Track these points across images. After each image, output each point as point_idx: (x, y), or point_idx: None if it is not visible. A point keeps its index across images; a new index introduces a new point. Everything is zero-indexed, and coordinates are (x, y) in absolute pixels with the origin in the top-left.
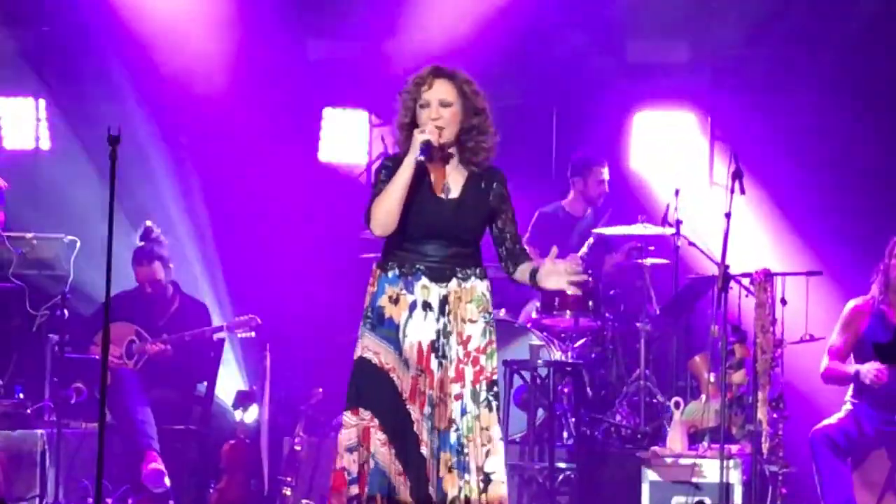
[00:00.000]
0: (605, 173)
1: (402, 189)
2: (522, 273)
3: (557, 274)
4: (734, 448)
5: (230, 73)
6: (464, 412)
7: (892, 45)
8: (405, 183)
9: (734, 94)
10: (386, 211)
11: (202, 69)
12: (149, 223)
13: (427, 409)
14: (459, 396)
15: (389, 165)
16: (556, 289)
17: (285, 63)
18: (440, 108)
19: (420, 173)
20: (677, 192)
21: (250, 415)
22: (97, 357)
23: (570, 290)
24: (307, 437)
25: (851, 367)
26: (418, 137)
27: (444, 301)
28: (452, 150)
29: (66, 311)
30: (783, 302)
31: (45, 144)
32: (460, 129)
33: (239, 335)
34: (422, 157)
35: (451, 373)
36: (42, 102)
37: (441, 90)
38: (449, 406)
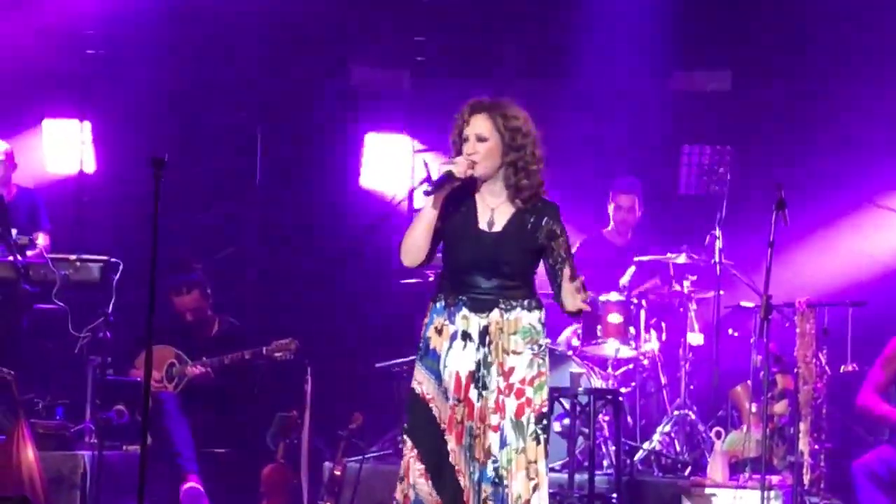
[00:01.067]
0: (627, 200)
1: (425, 221)
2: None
3: (572, 294)
4: (775, 479)
5: (273, 96)
6: (504, 444)
7: None
8: (428, 215)
9: (778, 123)
10: (411, 242)
11: (244, 94)
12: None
13: (466, 440)
14: (497, 428)
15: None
16: (576, 309)
17: (328, 88)
18: (476, 143)
19: (468, 207)
20: (720, 221)
21: (290, 438)
22: (138, 379)
23: (583, 307)
24: (347, 461)
25: (890, 409)
26: (441, 168)
27: (484, 332)
28: (499, 184)
29: (108, 334)
30: (826, 332)
31: (90, 167)
32: (501, 165)
33: (278, 358)
34: (429, 187)
35: (491, 404)
36: (87, 125)
37: (477, 125)
38: (487, 437)
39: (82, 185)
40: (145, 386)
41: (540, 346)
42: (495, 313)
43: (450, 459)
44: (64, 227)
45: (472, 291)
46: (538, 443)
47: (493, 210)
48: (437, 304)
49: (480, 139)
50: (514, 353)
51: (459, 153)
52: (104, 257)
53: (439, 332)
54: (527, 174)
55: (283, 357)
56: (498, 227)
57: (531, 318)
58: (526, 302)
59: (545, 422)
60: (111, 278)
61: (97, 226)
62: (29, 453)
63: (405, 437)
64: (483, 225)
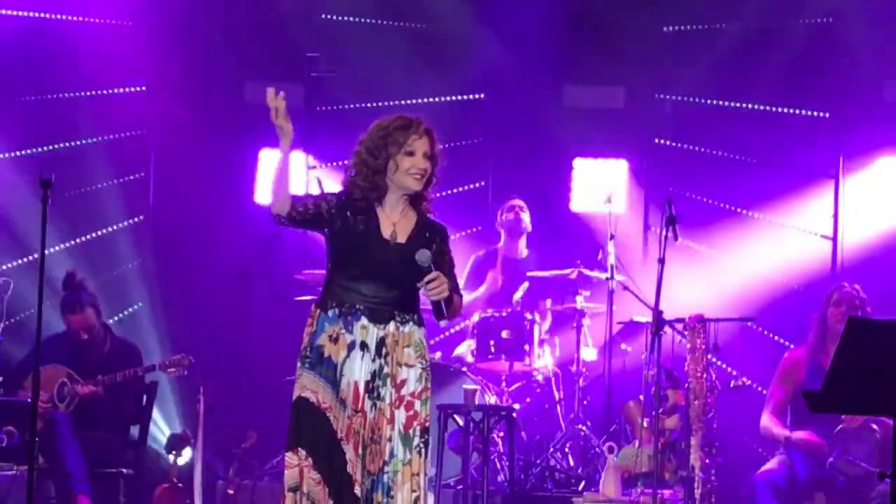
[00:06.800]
0: (515, 205)
1: (279, 164)
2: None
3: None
4: (667, 493)
5: (169, 112)
6: (392, 455)
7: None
8: (282, 158)
9: (671, 140)
10: (277, 189)
11: (139, 108)
12: (71, 269)
13: (361, 450)
14: (390, 439)
15: (332, 199)
16: (432, 299)
17: (223, 104)
18: (424, 160)
19: (369, 216)
20: (612, 237)
21: (183, 458)
22: (28, 400)
23: (431, 296)
24: (240, 480)
25: (783, 431)
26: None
27: (381, 342)
28: (404, 197)
29: None
30: (716, 348)
31: None
32: None
33: (171, 374)
34: None
35: (387, 414)
36: None
37: (427, 145)
38: (383, 448)
39: None
40: (33, 407)
41: (426, 360)
42: (392, 325)
43: (347, 469)
44: None
45: (370, 301)
46: (421, 455)
47: (395, 223)
48: (329, 312)
49: (427, 157)
50: (407, 365)
51: (384, 161)
52: None
53: (334, 340)
54: (429, 187)
55: (176, 373)
56: (401, 239)
57: (420, 334)
58: (416, 316)
59: (427, 436)
60: (1, 297)
61: None
62: None
63: (298, 447)
64: (387, 235)
